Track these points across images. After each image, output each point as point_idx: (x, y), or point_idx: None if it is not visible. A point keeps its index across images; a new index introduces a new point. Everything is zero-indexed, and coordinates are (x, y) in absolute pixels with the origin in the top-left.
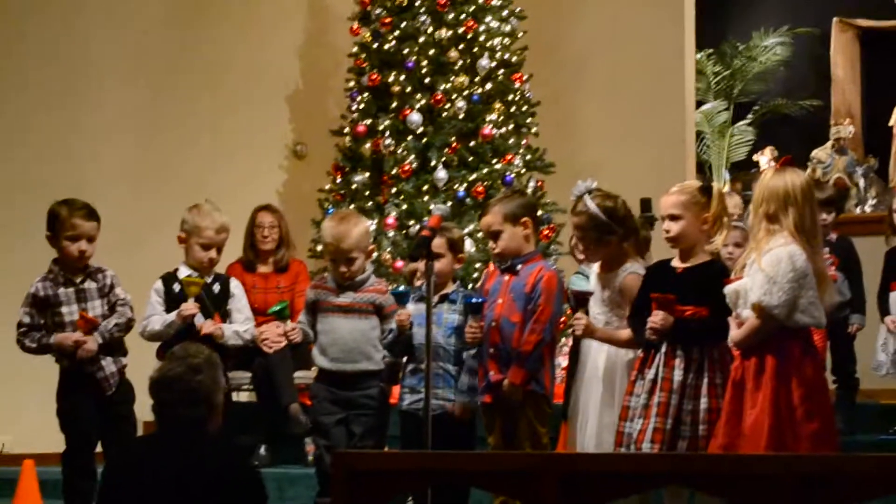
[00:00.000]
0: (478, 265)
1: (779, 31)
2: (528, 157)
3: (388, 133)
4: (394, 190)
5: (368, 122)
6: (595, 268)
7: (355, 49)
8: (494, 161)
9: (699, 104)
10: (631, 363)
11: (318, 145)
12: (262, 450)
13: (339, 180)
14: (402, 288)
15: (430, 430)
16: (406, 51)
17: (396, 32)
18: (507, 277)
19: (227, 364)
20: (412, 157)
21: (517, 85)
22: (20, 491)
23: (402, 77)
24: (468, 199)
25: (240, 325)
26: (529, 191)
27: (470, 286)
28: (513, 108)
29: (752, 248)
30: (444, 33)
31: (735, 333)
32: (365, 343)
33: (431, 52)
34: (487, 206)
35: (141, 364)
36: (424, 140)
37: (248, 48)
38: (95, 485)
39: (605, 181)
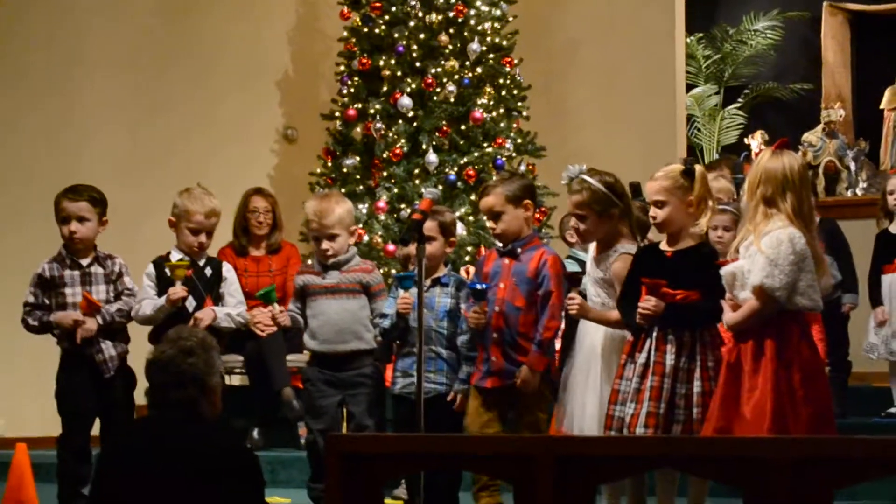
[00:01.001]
0: (469, 248)
1: (769, 15)
2: (519, 140)
3: (378, 117)
4: (385, 173)
5: (359, 106)
6: (591, 250)
7: (345, 33)
8: (485, 145)
9: (690, 88)
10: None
11: (309, 129)
12: (255, 433)
13: (330, 164)
14: (405, 272)
15: (422, 413)
16: (396, 35)
17: (387, 17)
18: (507, 261)
19: (220, 347)
20: (403, 140)
21: (508, 69)
22: (13, 474)
23: (393, 61)
24: (459, 183)
25: (232, 308)
26: (519, 174)
27: (461, 269)
28: (503, 92)
29: (748, 230)
30: (435, 17)
31: (731, 316)
32: (354, 323)
33: (422, 36)
34: (488, 188)
35: (144, 351)
36: (415, 124)
37: (239, 34)
38: (90, 468)
39: (596, 165)
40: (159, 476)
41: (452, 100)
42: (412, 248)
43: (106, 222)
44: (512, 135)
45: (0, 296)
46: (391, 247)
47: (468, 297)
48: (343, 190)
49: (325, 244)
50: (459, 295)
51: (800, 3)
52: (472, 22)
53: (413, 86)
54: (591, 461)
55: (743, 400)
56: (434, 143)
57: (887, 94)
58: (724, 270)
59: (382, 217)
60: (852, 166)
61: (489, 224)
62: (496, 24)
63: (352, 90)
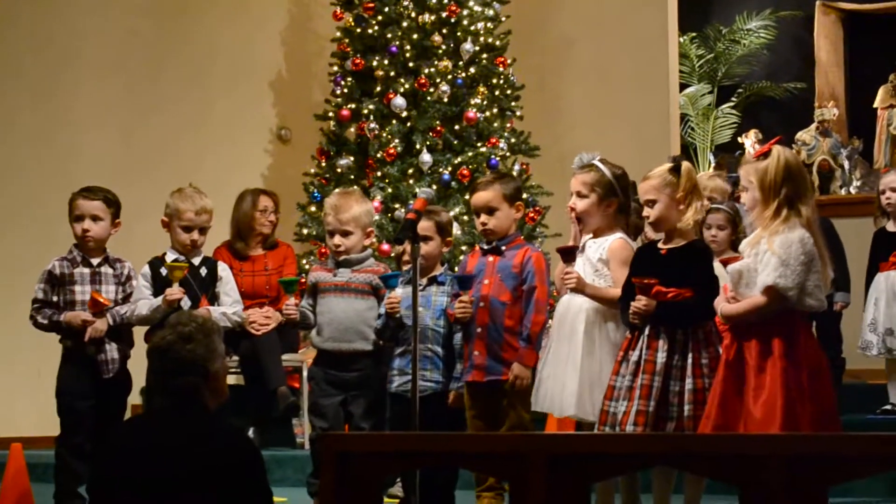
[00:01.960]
0: (464, 248)
1: (762, 15)
2: (513, 140)
3: (372, 117)
4: (379, 173)
5: (353, 106)
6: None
7: (338, 34)
8: (479, 144)
9: (683, 87)
10: (614, 323)
11: (302, 130)
12: (251, 432)
13: (324, 164)
14: (392, 272)
15: (417, 411)
16: (389, 35)
17: (379, 17)
18: (491, 258)
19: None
20: (397, 140)
21: (501, 69)
22: (8, 474)
23: (386, 61)
24: (453, 183)
25: (227, 307)
26: (514, 174)
27: (456, 269)
28: (497, 92)
29: (761, 229)
30: (428, 18)
31: (730, 307)
32: (360, 322)
33: (415, 36)
34: (483, 183)
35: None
36: (409, 124)
37: (232, 34)
38: (86, 467)
39: None
40: (159, 474)
41: (446, 100)
42: (405, 247)
43: (119, 224)
44: (506, 134)
45: None
46: (386, 246)
47: (453, 289)
48: (337, 190)
49: (338, 239)
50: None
51: (792, 3)
52: (465, 22)
53: (406, 86)
54: (586, 459)
55: (749, 398)
56: (428, 143)
57: (880, 92)
58: (731, 268)
59: (377, 217)
60: (846, 165)
61: (481, 219)
62: (489, 24)
63: (345, 90)
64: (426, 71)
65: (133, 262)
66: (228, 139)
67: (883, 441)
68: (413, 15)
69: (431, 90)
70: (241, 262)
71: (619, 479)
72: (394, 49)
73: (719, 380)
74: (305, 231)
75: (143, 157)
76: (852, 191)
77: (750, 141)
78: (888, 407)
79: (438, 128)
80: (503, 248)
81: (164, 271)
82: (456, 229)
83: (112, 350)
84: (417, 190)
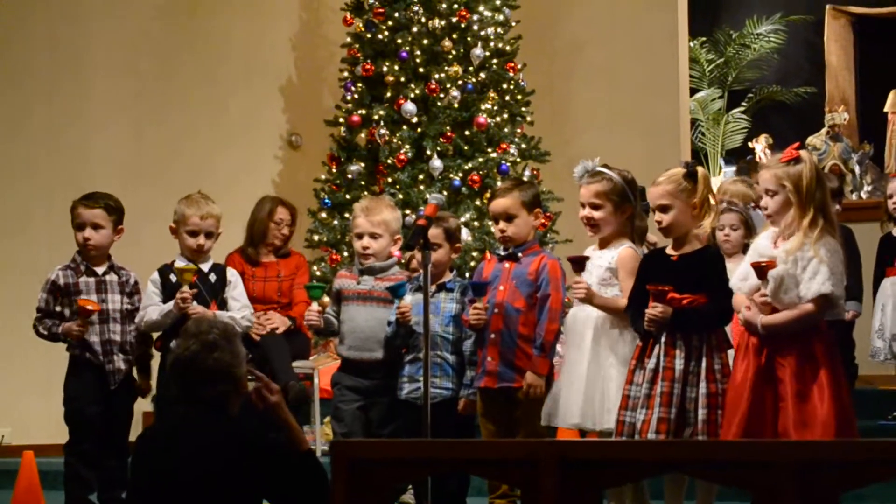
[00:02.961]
0: (475, 254)
1: (772, 19)
2: (523, 145)
3: (382, 123)
4: (389, 179)
5: (363, 111)
6: (590, 251)
7: (349, 39)
8: (490, 150)
9: (693, 92)
10: (617, 336)
11: (313, 136)
12: None
13: (334, 170)
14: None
15: (428, 418)
16: (399, 41)
17: (390, 22)
18: (507, 265)
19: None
20: (407, 146)
21: (511, 74)
22: (20, 482)
23: (396, 67)
24: (464, 188)
25: (235, 311)
26: (526, 179)
27: (467, 275)
28: (507, 97)
29: (788, 232)
30: (438, 23)
31: (775, 318)
32: (382, 331)
33: (425, 41)
34: (501, 190)
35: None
36: (419, 129)
37: (242, 39)
38: (96, 474)
39: None
40: (191, 474)
41: (456, 105)
42: (416, 253)
43: (122, 231)
44: (516, 140)
45: (5, 301)
46: (396, 252)
47: (468, 297)
48: (348, 196)
49: (367, 241)
50: (465, 300)
51: (803, 7)
52: (476, 27)
53: (417, 91)
54: (598, 465)
55: (788, 405)
56: (438, 148)
57: (891, 96)
58: (773, 273)
59: None
60: (857, 169)
61: (500, 226)
62: (499, 30)
63: (355, 96)
64: (436, 76)
65: (143, 264)
66: (239, 144)
67: (895, 447)
68: (423, 20)
69: (442, 95)
70: (254, 267)
71: (627, 485)
72: (404, 54)
73: (748, 387)
74: (316, 237)
75: (154, 160)
76: (863, 195)
77: (760, 146)
78: None
79: (449, 133)
80: (519, 254)
81: (173, 277)
82: (466, 235)
83: (119, 360)
84: (428, 196)
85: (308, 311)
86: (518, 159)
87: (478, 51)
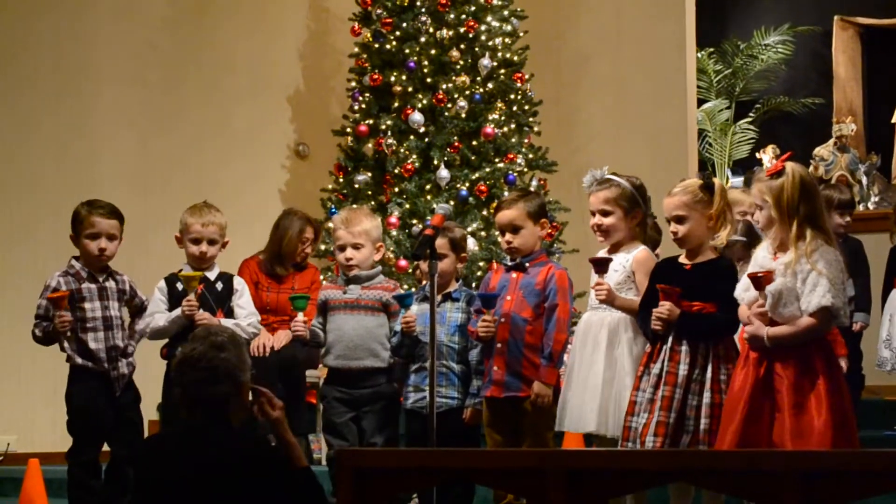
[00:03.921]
0: (481, 264)
1: (780, 30)
2: (531, 155)
3: (390, 133)
4: (396, 189)
5: (370, 121)
6: (601, 253)
7: (356, 49)
8: (497, 160)
9: (701, 102)
10: (633, 338)
11: (320, 145)
12: None
13: (341, 180)
14: (403, 290)
15: (434, 427)
16: (407, 51)
17: (397, 33)
18: (514, 275)
19: None
20: (414, 156)
21: (519, 84)
22: (25, 490)
23: (404, 77)
24: (471, 199)
25: (242, 319)
26: (532, 190)
27: (473, 285)
28: (514, 108)
29: (781, 245)
30: (446, 33)
31: (779, 331)
32: (370, 340)
33: (433, 51)
34: (507, 202)
35: (144, 367)
36: (427, 139)
37: (250, 49)
38: (100, 483)
39: None
40: (194, 476)
41: (464, 115)
42: (423, 264)
43: (121, 240)
44: (523, 150)
45: (10, 309)
46: (403, 262)
47: (475, 307)
48: (355, 206)
49: (350, 252)
50: (470, 310)
51: (810, 18)
52: (483, 37)
53: (424, 101)
54: (604, 475)
55: (785, 416)
56: (445, 158)
57: None
58: (771, 288)
59: (394, 233)
60: (864, 180)
61: (506, 237)
62: (507, 40)
63: (363, 106)
64: (444, 86)
65: (150, 273)
66: (246, 153)
67: None
68: (431, 30)
69: (449, 106)
70: (270, 278)
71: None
72: (412, 65)
73: (744, 397)
74: (323, 247)
75: (161, 169)
76: (870, 206)
77: (768, 157)
78: None
79: (456, 143)
80: (527, 264)
81: (180, 285)
82: (473, 245)
83: (123, 366)
84: (435, 206)
85: (294, 322)
86: (525, 169)
87: (485, 61)
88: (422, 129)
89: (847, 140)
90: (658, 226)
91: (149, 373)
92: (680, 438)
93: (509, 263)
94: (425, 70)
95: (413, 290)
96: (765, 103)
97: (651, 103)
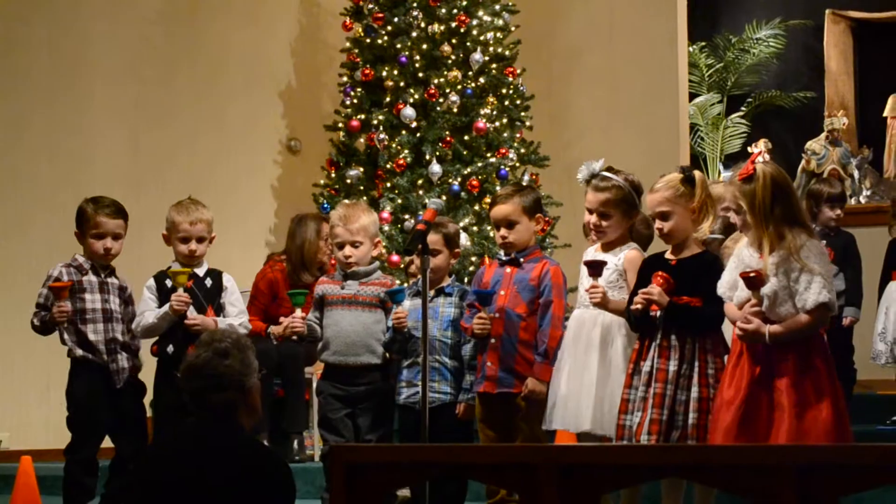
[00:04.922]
0: (473, 259)
1: (771, 24)
2: (523, 150)
3: (382, 128)
4: (388, 184)
5: (362, 116)
6: (591, 252)
7: (348, 44)
8: (489, 155)
9: (693, 97)
10: (627, 337)
11: (312, 140)
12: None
13: (333, 175)
14: (396, 286)
15: (426, 422)
16: (399, 46)
17: (389, 27)
18: (508, 270)
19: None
20: (406, 151)
21: (510, 79)
22: (18, 487)
23: (396, 72)
24: (463, 193)
25: (233, 318)
26: (525, 184)
27: (466, 280)
28: (506, 102)
29: (762, 244)
30: (437, 28)
31: (780, 328)
32: (367, 336)
33: (424, 46)
34: (502, 197)
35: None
36: (418, 134)
37: (242, 44)
38: (96, 481)
39: None
40: (192, 481)
41: (455, 110)
42: (416, 260)
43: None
44: (515, 145)
45: (2, 306)
46: (395, 257)
47: (468, 301)
48: (343, 202)
49: (348, 250)
50: (463, 304)
51: (802, 12)
52: (475, 32)
53: (416, 96)
54: (596, 470)
55: (786, 415)
56: (437, 153)
57: (890, 101)
58: (766, 290)
59: (386, 228)
60: (856, 174)
61: (501, 232)
62: (498, 35)
63: (355, 101)
64: (435, 81)
65: (143, 270)
66: (238, 149)
67: (893, 452)
68: (422, 25)
69: (441, 100)
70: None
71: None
72: (403, 59)
73: (741, 398)
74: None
75: (154, 166)
76: (862, 200)
77: (759, 150)
78: None
79: (448, 138)
80: (521, 259)
81: (169, 282)
82: (465, 240)
83: (123, 360)
84: (427, 201)
85: (292, 318)
86: (517, 164)
87: (477, 56)
88: (413, 124)
89: (839, 134)
90: (649, 221)
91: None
92: (670, 434)
93: (503, 258)
94: (417, 65)
95: (405, 285)
96: (756, 97)
97: (643, 97)
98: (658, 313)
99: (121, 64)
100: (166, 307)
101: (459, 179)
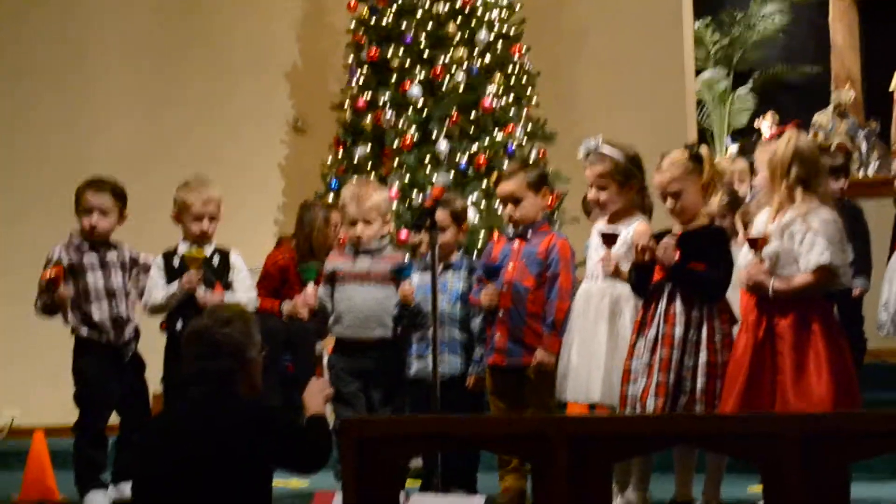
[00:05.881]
0: (481, 234)
1: None
2: (530, 127)
3: (388, 106)
4: (396, 162)
5: (368, 96)
6: (599, 223)
7: (353, 25)
8: (496, 132)
9: (699, 72)
10: (635, 309)
11: (319, 120)
12: None
13: (341, 154)
14: (401, 263)
15: (438, 395)
16: (404, 25)
17: (394, 7)
18: (516, 244)
19: None
20: (413, 129)
21: (516, 57)
22: (31, 463)
23: (401, 51)
24: (470, 170)
25: (241, 294)
26: (531, 160)
27: (474, 255)
28: (512, 80)
29: (777, 208)
30: (442, 7)
31: (783, 284)
32: (380, 311)
33: (429, 25)
34: (507, 174)
35: (146, 340)
36: (425, 112)
37: (247, 27)
38: (105, 454)
39: None
40: (192, 449)
41: (462, 88)
42: (423, 235)
43: (125, 217)
44: (522, 121)
45: (13, 285)
46: (403, 234)
47: (477, 274)
48: (354, 180)
49: (360, 228)
50: (472, 278)
51: None
52: (480, 11)
53: (422, 75)
54: (606, 440)
55: (787, 378)
56: (444, 131)
57: None
58: (767, 251)
59: (395, 205)
60: (863, 147)
61: (507, 209)
62: (504, 13)
63: (361, 81)
64: (441, 60)
65: (151, 249)
66: (245, 130)
67: None
68: (427, 4)
69: (447, 79)
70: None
71: (634, 460)
72: (409, 39)
73: (746, 360)
74: None
75: (161, 147)
76: (870, 173)
77: (767, 124)
78: None
79: (455, 116)
80: (529, 233)
81: (177, 261)
82: (473, 216)
83: (128, 334)
84: (435, 178)
85: (304, 293)
86: (524, 141)
87: (482, 34)
88: (420, 103)
89: (846, 107)
90: (647, 191)
91: (151, 345)
92: (678, 400)
93: (511, 233)
94: (422, 44)
95: (412, 259)
96: (763, 72)
97: (649, 73)
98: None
99: (126, 48)
100: (174, 286)
101: (466, 157)
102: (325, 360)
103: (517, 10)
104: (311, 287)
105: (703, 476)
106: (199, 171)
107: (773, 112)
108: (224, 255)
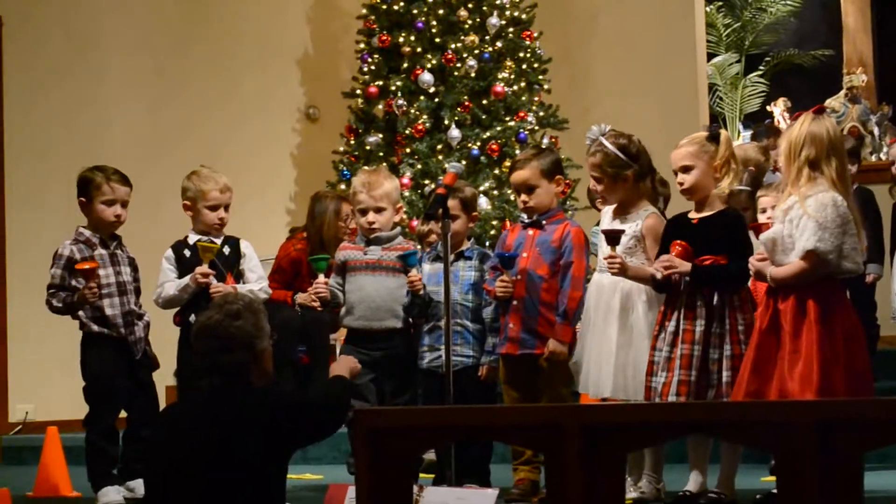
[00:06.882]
0: (494, 222)
1: None
2: (541, 113)
3: (400, 93)
4: (408, 150)
5: (380, 83)
6: (608, 214)
7: (364, 11)
8: (507, 119)
9: (710, 57)
10: (648, 302)
11: (330, 108)
12: None
13: (352, 142)
14: (409, 251)
15: (451, 386)
16: (415, 11)
17: None
18: (531, 232)
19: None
20: (425, 116)
21: (528, 42)
22: (45, 458)
23: (413, 38)
24: (482, 158)
25: (253, 283)
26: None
27: (487, 244)
28: (524, 66)
29: (787, 192)
30: None
31: (778, 270)
32: (392, 301)
33: (441, 11)
34: (520, 161)
35: (158, 333)
36: (437, 99)
37: (257, 14)
38: (118, 449)
39: None
40: (208, 442)
41: (473, 75)
42: (433, 224)
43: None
44: (534, 108)
45: (22, 276)
46: (416, 222)
47: (491, 264)
48: (364, 168)
49: (372, 216)
50: (483, 268)
51: None
52: None
53: (433, 62)
54: (619, 429)
55: (785, 363)
56: (456, 118)
57: None
58: (763, 237)
59: (406, 193)
60: (876, 131)
61: (521, 197)
62: None
63: (372, 67)
64: (453, 46)
65: (160, 241)
66: (256, 118)
67: None
68: None
69: (459, 65)
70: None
71: (646, 450)
72: (420, 25)
73: (753, 346)
74: None
75: (170, 136)
76: (882, 157)
77: (779, 109)
78: None
79: (466, 103)
80: (543, 222)
81: (187, 252)
82: (485, 204)
83: (139, 330)
84: (447, 165)
85: (316, 284)
86: (536, 127)
87: (494, 20)
88: (432, 90)
89: (858, 91)
90: (664, 180)
91: (164, 338)
92: (703, 394)
93: (526, 221)
94: (434, 30)
95: (418, 248)
96: (774, 56)
97: (661, 58)
98: (681, 277)
99: (136, 35)
100: (186, 279)
101: (479, 144)
102: (337, 352)
103: None
104: (321, 277)
105: (717, 467)
106: (208, 160)
107: (784, 98)
108: (234, 244)
